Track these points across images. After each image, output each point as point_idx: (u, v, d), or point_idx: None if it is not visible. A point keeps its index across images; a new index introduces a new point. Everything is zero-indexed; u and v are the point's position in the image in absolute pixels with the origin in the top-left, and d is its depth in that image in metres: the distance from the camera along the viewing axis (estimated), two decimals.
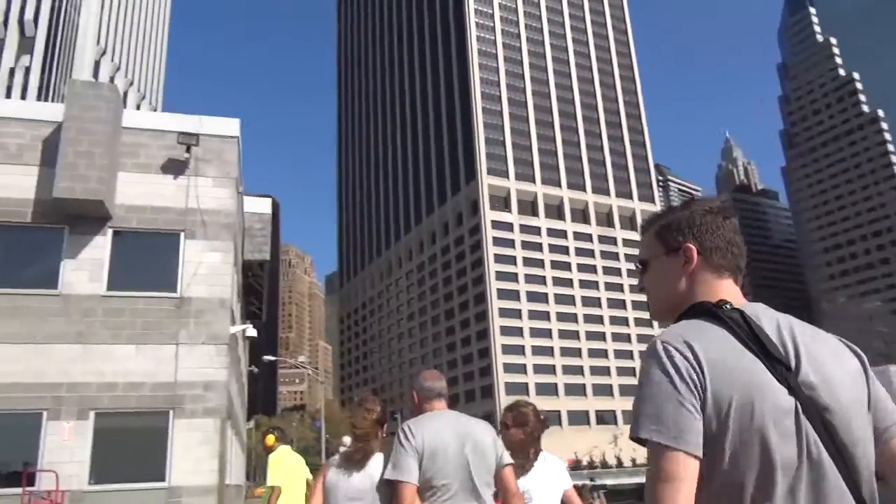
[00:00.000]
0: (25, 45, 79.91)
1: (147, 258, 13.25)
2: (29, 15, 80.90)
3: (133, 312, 12.65)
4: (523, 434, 3.85)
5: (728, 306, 1.37)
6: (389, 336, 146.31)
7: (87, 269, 12.71)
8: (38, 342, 12.17)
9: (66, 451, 11.75)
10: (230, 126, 14.35)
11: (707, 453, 1.23)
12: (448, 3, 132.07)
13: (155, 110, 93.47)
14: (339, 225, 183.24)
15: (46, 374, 12.03)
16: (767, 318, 1.36)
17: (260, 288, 20.98)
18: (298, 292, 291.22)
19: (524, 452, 3.81)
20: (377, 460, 3.39)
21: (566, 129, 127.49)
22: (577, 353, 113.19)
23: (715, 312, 1.36)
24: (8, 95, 75.86)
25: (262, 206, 18.66)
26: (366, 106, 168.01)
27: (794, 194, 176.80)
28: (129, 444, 12.29)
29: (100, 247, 12.90)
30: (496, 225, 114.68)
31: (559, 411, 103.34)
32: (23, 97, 75.03)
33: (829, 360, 1.32)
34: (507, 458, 3.32)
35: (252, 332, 15.52)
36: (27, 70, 77.99)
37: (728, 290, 1.44)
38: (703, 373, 1.25)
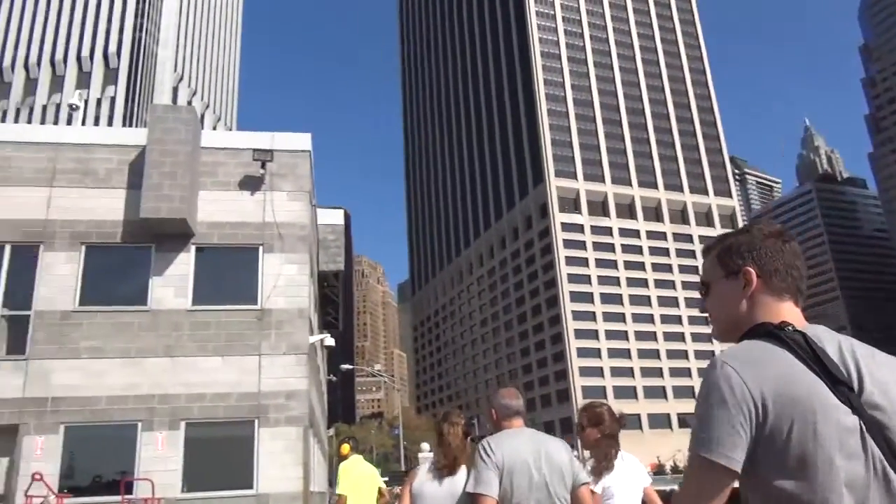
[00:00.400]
0: (110, 77, 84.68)
1: (228, 272, 13.70)
2: (112, 48, 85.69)
3: (217, 325, 13.09)
4: (599, 433, 3.95)
5: (790, 328, 1.41)
6: (463, 342, 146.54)
7: (173, 284, 13.25)
8: (131, 356, 12.76)
9: (160, 460, 12.24)
10: (302, 141, 14.70)
11: (768, 474, 1.30)
12: (508, 5, 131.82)
13: (230, 129, 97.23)
14: (409, 233, 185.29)
15: (140, 386, 12.60)
16: (829, 341, 1.39)
17: (336, 298, 21.38)
18: (372, 302, 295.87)
19: (602, 451, 3.92)
20: (463, 472, 3.57)
21: (634, 126, 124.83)
22: (655, 354, 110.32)
23: (777, 334, 1.40)
24: (96, 124, 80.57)
25: (334, 217, 19.03)
26: (430, 114, 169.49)
27: (883, 181, 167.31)
28: (218, 453, 12.71)
29: (184, 263, 13.42)
30: (566, 227, 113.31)
31: (639, 415, 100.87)
32: (109, 125, 79.47)
33: (891, 380, 1.35)
34: (584, 476, 3.41)
35: (330, 341, 15.83)
36: (112, 100, 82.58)
37: (789, 313, 1.48)
38: (761, 394, 1.31)
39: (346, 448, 7.38)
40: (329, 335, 16.20)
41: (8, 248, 13.22)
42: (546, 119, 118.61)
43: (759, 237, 1.54)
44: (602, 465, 3.88)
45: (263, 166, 13.93)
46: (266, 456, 12.22)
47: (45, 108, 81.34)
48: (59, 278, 13.09)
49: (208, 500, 11.90)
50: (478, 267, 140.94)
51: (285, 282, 13.46)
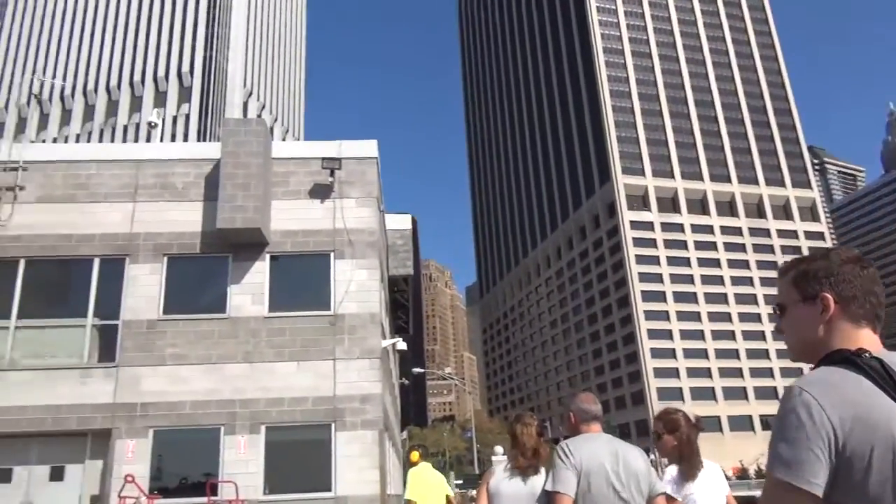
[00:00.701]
0: (184, 95, 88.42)
1: (302, 279, 14.00)
2: (185, 68, 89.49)
3: (293, 331, 13.39)
4: (676, 440, 3.98)
5: (867, 355, 1.42)
6: (533, 344, 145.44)
7: (250, 292, 13.64)
8: (213, 363, 13.21)
9: (242, 463, 12.61)
10: (368, 148, 14.89)
11: (847, 500, 1.31)
12: (569, 3, 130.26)
13: (298, 140, 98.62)
14: (475, 236, 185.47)
15: (222, 392, 13.02)
16: None
17: (406, 302, 21.57)
18: (441, 305, 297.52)
19: (681, 458, 3.95)
20: (541, 472, 3.77)
21: (704, 119, 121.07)
22: (734, 354, 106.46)
23: (854, 360, 1.41)
24: (172, 140, 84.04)
25: (402, 222, 19.20)
26: (493, 116, 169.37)
27: None
28: (297, 456, 12.97)
29: (260, 271, 13.81)
30: (635, 225, 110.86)
31: (718, 417, 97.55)
32: (185, 141, 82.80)
33: None
34: (661, 486, 3.48)
35: (402, 345, 15.96)
36: (187, 117, 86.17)
37: (866, 339, 1.49)
38: (840, 420, 1.32)
39: (415, 455, 7.56)
40: (401, 339, 16.35)
41: (97, 262, 13.92)
42: (611, 115, 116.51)
43: (837, 262, 1.55)
44: (688, 472, 3.89)
45: (332, 174, 14.18)
46: (343, 459, 12.40)
47: (126, 127, 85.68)
48: (143, 289, 13.70)
49: (289, 502, 12.16)
50: (546, 268, 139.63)
51: (357, 287, 13.65)
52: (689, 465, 3.91)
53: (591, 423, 3.51)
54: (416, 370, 48.80)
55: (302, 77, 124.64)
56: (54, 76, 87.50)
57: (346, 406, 12.88)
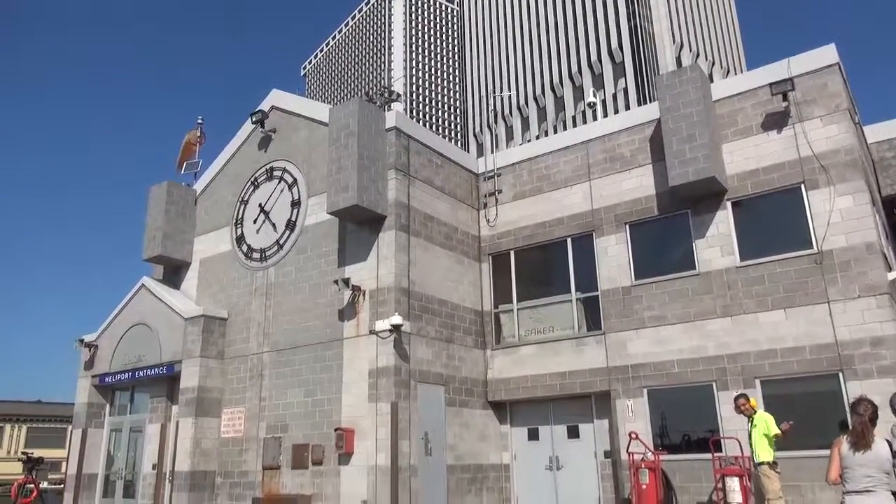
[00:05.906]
0: (618, 71, 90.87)
1: (771, 220, 12.78)
2: (614, 45, 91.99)
3: (771, 277, 12.32)
4: None
5: None
6: None
7: (717, 244, 13.07)
8: (691, 320, 13.06)
9: (741, 418, 12.09)
10: (825, 55, 12.76)
11: None
12: None
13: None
14: None
15: (706, 349, 12.76)
16: None
17: None
18: None
19: None
20: (879, 444, 5.00)
21: None
22: None
23: None
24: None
25: (888, 130, 15.85)
26: None
27: None
28: (803, 410, 11.79)
29: (723, 221, 13.13)
30: None
31: None
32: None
33: None
34: None
35: None
36: (625, 91, 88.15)
37: None
38: None
39: (753, 401, 10.17)
40: None
41: (569, 241, 15.24)
42: None
43: None
44: None
45: (785, 98, 12.63)
46: None
47: (574, 118, 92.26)
48: (613, 259, 14.42)
49: (807, 458, 11.15)
50: None
51: (841, 217, 11.82)
52: None
53: None
54: None
55: (732, 9, 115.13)
56: (509, 90, 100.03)
57: (854, 353, 11.21)
